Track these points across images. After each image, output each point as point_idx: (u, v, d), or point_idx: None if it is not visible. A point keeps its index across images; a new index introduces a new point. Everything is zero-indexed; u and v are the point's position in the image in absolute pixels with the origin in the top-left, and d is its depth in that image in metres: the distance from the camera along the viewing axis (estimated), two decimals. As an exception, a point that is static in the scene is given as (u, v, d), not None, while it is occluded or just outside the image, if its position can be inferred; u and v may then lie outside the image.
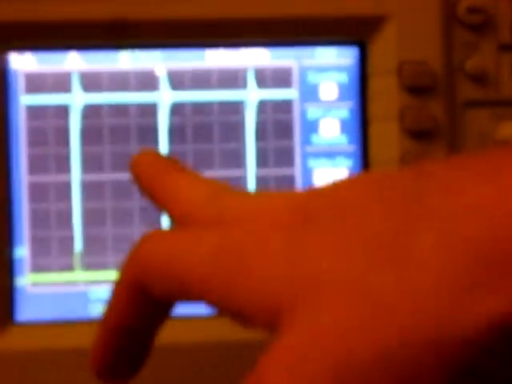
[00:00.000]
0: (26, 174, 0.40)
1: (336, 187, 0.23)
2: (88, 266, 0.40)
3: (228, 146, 0.41)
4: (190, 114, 0.41)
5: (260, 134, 0.41)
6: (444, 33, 0.39)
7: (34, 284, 0.40)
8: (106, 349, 0.27)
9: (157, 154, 0.32)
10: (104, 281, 0.40)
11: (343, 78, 0.41)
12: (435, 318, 0.17)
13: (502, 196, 0.18)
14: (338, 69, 0.41)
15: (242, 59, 0.41)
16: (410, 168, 0.22)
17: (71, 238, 0.40)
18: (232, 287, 0.22)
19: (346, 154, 0.41)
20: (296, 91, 0.41)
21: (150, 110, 0.41)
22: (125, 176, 0.40)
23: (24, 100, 0.40)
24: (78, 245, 0.40)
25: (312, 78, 0.41)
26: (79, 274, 0.40)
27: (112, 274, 0.40)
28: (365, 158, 0.41)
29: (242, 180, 0.41)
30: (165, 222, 0.41)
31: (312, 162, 0.41)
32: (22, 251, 0.40)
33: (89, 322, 0.40)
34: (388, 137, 0.40)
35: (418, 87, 0.39)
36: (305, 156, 0.41)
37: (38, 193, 0.40)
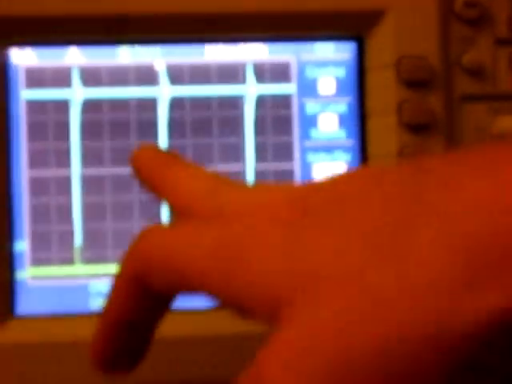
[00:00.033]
0: (27, 168, 0.40)
1: (335, 181, 0.23)
2: (88, 260, 0.41)
3: (227, 140, 0.41)
4: (189, 108, 0.41)
5: (259, 129, 0.41)
6: (441, 27, 0.40)
7: (35, 277, 0.40)
8: (105, 342, 0.28)
9: (157, 149, 0.32)
10: (104, 274, 0.41)
11: (341, 72, 0.42)
12: (434, 313, 0.17)
13: (500, 191, 0.18)
14: (337, 64, 0.42)
15: (241, 54, 0.41)
16: (408, 163, 0.22)
17: (71, 232, 0.41)
18: (232, 280, 0.22)
19: (345, 149, 0.42)
20: (294, 86, 0.42)
21: (149, 105, 0.41)
22: (124, 170, 0.41)
23: (24, 95, 0.41)
24: (78, 239, 0.41)
25: (310, 72, 0.42)
26: (79, 268, 0.41)
27: (112, 268, 0.41)
28: (363, 152, 0.41)
29: (242, 174, 0.41)
30: (164, 215, 0.41)
31: (311, 157, 0.42)
32: (23, 245, 0.40)
33: (89, 316, 0.40)
34: (386, 131, 0.40)
35: (415, 81, 0.39)
36: (303, 150, 0.42)
37: (38, 187, 0.41)
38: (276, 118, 0.41)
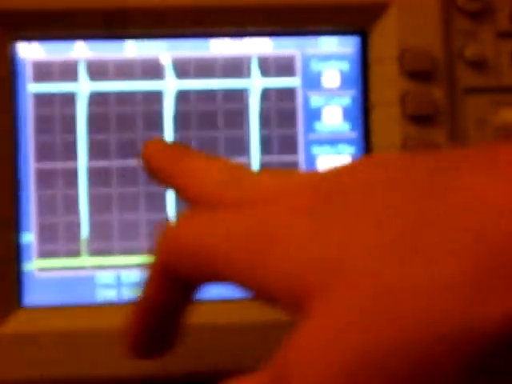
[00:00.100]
0: (34, 160, 0.41)
1: (355, 169, 0.23)
2: (94, 252, 0.41)
3: (232, 133, 0.42)
4: (194, 101, 0.42)
5: (264, 122, 0.42)
6: (444, 20, 0.40)
7: (41, 269, 0.41)
8: (138, 328, 0.28)
9: (167, 142, 0.32)
10: (110, 266, 0.41)
11: (345, 66, 0.42)
12: (449, 313, 0.18)
13: None
14: (340, 57, 0.42)
15: (246, 48, 0.42)
16: (428, 155, 0.22)
17: (78, 224, 0.41)
18: (257, 269, 0.22)
19: (349, 141, 0.42)
20: (299, 79, 0.42)
21: (155, 98, 0.41)
22: (131, 162, 0.41)
23: (32, 88, 0.41)
24: (85, 231, 0.41)
25: (315, 66, 0.42)
26: (86, 260, 0.41)
27: (118, 260, 0.41)
28: (367, 145, 0.42)
29: (247, 167, 0.41)
30: (170, 207, 0.41)
31: (315, 149, 0.42)
32: (30, 237, 0.41)
33: (95, 307, 0.40)
34: (390, 122, 0.40)
35: (418, 73, 0.40)
36: (308, 143, 0.42)
37: (45, 179, 0.41)
38: (280, 111, 0.42)
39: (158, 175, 0.30)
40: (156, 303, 0.27)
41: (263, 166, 0.42)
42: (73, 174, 0.41)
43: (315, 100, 0.42)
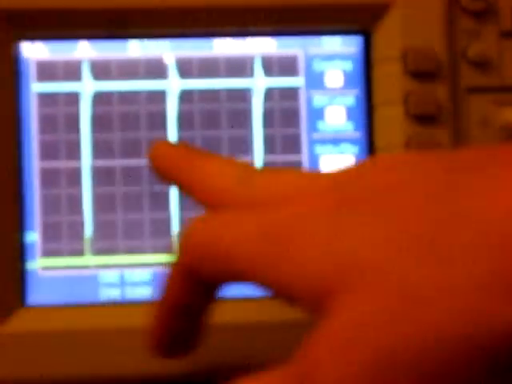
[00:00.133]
0: (38, 160, 0.41)
1: (372, 170, 0.23)
2: (98, 251, 0.41)
3: (236, 132, 0.42)
4: (198, 101, 0.42)
5: (267, 121, 0.42)
6: (447, 20, 0.40)
7: (45, 268, 0.41)
8: (162, 328, 0.29)
9: (176, 144, 0.32)
10: (114, 265, 0.41)
11: (348, 66, 0.42)
12: (474, 313, 0.18)
13: None
14: (344, 57, 0.42)
15: (249, 48, 0.42)
16: (444, 156, 0.22)
17: (81, 223, 0.41)
18: (278, 268, 0.22)
19: (352, 141, 0.42)
20: (302, 79, 0.42)
21: (158, 98, 0.41)
22: (134, 162, 0.41)
23: (35, 87, 0.41)
24: (89, 230, 0.41)
25: (318, 66, 0.42)
26: (89, 259, 0.41)
27: (122, 259, 0.41)
28: (370, 145, 0.42)
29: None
30: (174, 207, 0.41)
31: (318, 149, 0.42)
32: (33, 236, 0.41)
33: (98, 306, 0.41)
34: (393, 122, 0.41)
35: (421, 73, 0.40)
36: (311, 143, 0.42)
37: (48, 178, 0.41)
38: (284, 110, 0.42)
39: (168, 177, 0.30)
40: (178, 304, 0.28)
41: (266, 165, 0.42)
42: (76, 173, 0.41)
43: (318, 99, 0.42)
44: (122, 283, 0.41)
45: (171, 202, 0.41)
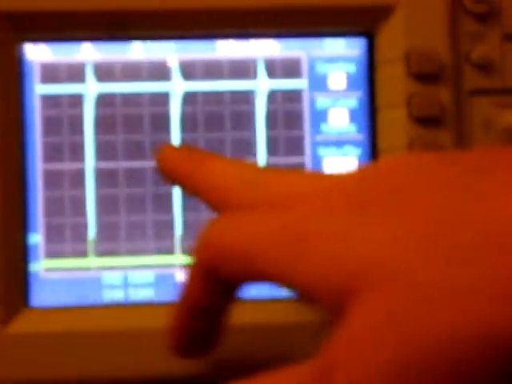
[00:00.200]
0: (41, 161, 0.41)
1: (391, 172, 0.23)
2: (101, 253, 0.41)
3: (239, 134, 0.42)
4: (201, 103, 0.42)
5: (270, 123, 0.42)
6: (450, 22, 0.40)
7: (48, 270, 0.41)
8: (182, 328, 0.29)
9: (184, 146, 0.32)
10: (117, 267, 0.41)
11: (351, 68, 0.42)
12: (489, 314, 0.18)
13: None
14: (347, 59, 0.42)
15: (253, 50, 0.42)
16: (460, 156, 0.22)
17: (85, 225, 0.41)
18: (296, 267, 0.22)
19: (355, 143, 0.42)
20: (305, 81, 0.42)
21: (162, 100, 0.42)
22: (138, 164, 0.41)
23: (39, 90, 0.41)
24: (92, 232, 0.41)
25: (321, 68, 0.42)
26: (92, 260, 0.41)
27: (125, 260, 0.41)
28: (373, 147, 0.42)
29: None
30: (177, 208, 0.41)
31: (321, 151, 0.42)
32: (37, 238, 0.41)
33: (101, 307, 0.41)
34: (396, 124, 0.41)
35: (425, 75, 0.40)
36: (314, 145, 0.42)
37: (52, 180, 0.41)
38: (287, 112, 0.42)
39: (176, 179, 0.30)
40: (198, 304, 0.28)
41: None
42: (80, 174, 0.41)
43: (321, 102, 0.42)
44: (126, 285, 0.41)
45: (174, 203, 0.41)
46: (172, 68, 0.42)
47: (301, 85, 0.42)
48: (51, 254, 0.41)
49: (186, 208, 0.41)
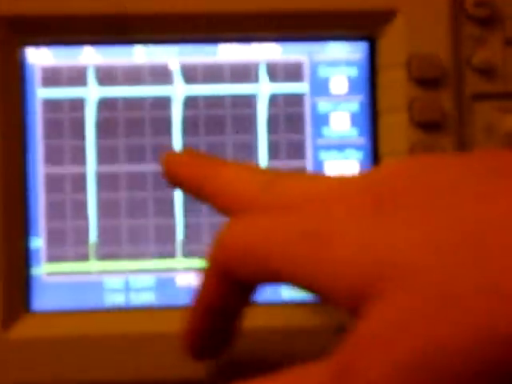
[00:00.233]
0: (42, 165, 0.41)
1: (411, 172, 0.23)
2: (103, 257, 0.41)
3: (240, 138, 0.42)
4: (203, 107, 0.42)
5: (272, 127, 0.42)
6: (452, 26, 0.40)
7: (50, 274, 0.41)
8: (196, 330, 0.29)
9: (190, 151, 0.32)
10: (118, 271, 0.41)
11: (353, 72, 0.42)
12: None
13: None
14: (349, 63, 0.42)
15: (254, 54, 0.42)
16: (481, 157, 0.22)
17: (86, 229, 0.41)
18: (316, 268, 0.22)
19: (357, 147, 0.42)
20: (307, 85, 0.42)
21: (163, 104, 0.42)
22: (139, 167, 0.41)
23: (41, 93, 0.41)
24: (93, 235, 0.41)
25: (323, 72, 0.42)
26: (94, 264, 0.41)
27: (126, 264, 0.41)
28: (375, 151, 0.42)
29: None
30: (178, 212, 0.41)
31: (323, 155, 0.42)
32: (38, 241, 0.41)
33: (103, 311, 0.41)
34: (397, 129, 0.41)
35: (426, 80, 0.40)
36: (316, 148, 0.42)
37: (53, 184, 0.41)
38: (288, 116, 0.42)
39: (184, 184, 0.30)
40: (213, 306, 0.28)
41: (271, 171, 0.42)
42: (81, 178, 0.41)
43: (323, 105, 0.42)
44: (127, 289, 0.41)
45: (176, 207, 0.41)
46: (174, 72, 0.42)
47: (302, 89, 0.42)
48: (52, 258, 0.41)
49: (187, 212, 0.41)
